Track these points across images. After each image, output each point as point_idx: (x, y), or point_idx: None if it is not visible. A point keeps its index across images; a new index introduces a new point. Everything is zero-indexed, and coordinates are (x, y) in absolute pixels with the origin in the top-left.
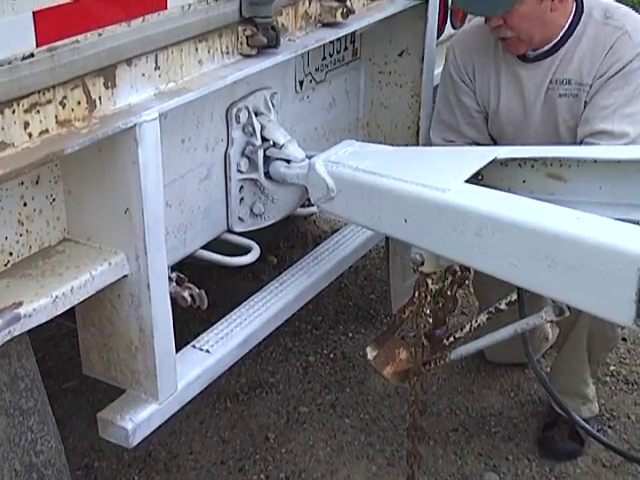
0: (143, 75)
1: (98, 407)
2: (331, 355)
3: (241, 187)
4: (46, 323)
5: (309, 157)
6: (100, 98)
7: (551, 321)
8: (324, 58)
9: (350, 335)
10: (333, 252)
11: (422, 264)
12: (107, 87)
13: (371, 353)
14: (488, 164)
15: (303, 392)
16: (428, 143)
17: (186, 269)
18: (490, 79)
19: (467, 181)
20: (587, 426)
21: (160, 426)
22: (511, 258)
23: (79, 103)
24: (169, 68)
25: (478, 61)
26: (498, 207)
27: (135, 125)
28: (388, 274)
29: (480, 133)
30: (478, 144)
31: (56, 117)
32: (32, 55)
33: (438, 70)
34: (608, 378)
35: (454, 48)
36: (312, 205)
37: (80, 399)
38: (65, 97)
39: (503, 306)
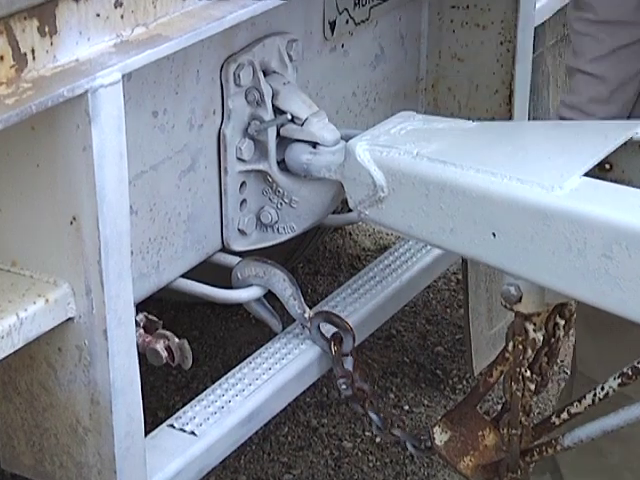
0: (98, 16)
1: None
2: (377, 439)
3: (243, 184)
4: None
5: (346, 138)
6: (33, 51)
7: None
8: None
9: (406, 408)
10: (380, 282)
11: (519, 301)
12: (44, 34)
13: (440, 437)
14: (620, 147)
15: None
16: (526, 114)
17: (156, 308)
18: None
19: (588, 174)
20: None
21: None
22: None
23: (2, 58)
24: (137, 5)
25: None
26: (636, 213)
27: (86, 92)
28: (466, 316)
29: None
30: None
31: None
32: None
33: (542, 2)
34: None
35: None
36: (350, 211)
37: None
38: None
39: None
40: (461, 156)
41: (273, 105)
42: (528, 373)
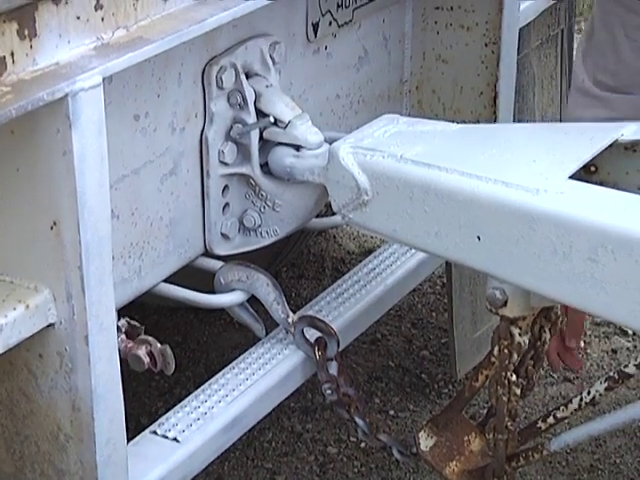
0: (78, 18)
1: None
2: (362, 444)
3: (225, 187)
4: None
5: (329, 141)
6: (13, 54)
7: None
8: None
9: (391, 413)
10: (365, 286)
11: (504, 304)
12: (23, 37)
13: (426, 442)
14: (605, 149)
15: None
16: (511, 116)
17: (138, 313)
18: None
19: (573, 176)
20: None
21: None
22: None
23: None
24: (117, 7)
25: None
26: (622, 216)
27: (67, 95)
28: (450, 319)
29: None
30: None
31: None
32: None
33: (526, 3)
34: None
35: None
36: (334, 214)
37: None
38: None
39: (632, 369)
40: (445, 159)
41: (256, 108)
42: (514, 377)
